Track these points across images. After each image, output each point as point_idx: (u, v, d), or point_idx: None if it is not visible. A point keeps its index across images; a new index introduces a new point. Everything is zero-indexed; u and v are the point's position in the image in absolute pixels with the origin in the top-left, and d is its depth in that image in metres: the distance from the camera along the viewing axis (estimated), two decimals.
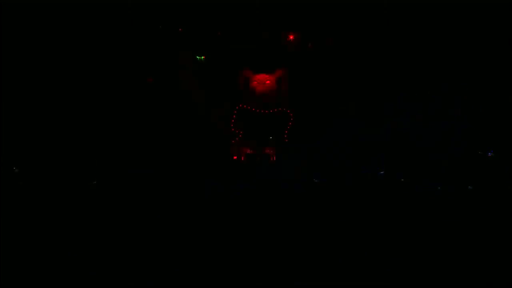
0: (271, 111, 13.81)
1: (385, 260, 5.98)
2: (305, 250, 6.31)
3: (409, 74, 12.12)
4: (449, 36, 12.04)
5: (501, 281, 5.39)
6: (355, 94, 12.55)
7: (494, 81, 11.89)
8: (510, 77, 11.55)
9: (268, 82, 13.71)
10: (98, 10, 11.61)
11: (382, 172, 11.47)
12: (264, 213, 8.11)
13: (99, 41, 12.01)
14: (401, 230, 7.01)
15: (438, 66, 12.24)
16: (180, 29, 13.28)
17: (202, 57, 13.36)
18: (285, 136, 13.67)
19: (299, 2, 11.98)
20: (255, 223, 7.63)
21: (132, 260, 5.97)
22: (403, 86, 12.47)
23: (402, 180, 10.70)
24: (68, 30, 12.03)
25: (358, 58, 12.67)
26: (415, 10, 11.80)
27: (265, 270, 5.74)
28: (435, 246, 6.31)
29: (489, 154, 11.52)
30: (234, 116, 13.73)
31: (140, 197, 9.00)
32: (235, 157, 13.41)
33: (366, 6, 11.93)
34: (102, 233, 6.89)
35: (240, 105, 13.81)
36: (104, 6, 11.53)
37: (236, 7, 12.30)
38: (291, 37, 13.50)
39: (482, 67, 12.11)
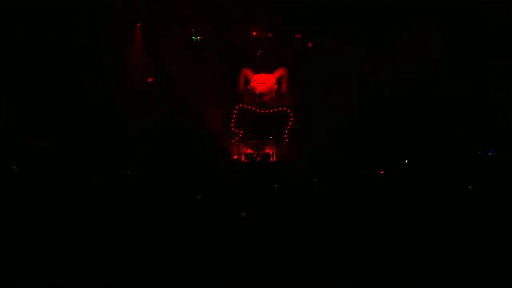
0: (271, 111, 13.83)
1: (385, 261, 5.97)
2: (305, 250, 6.30)
3: (408, 74, 12.11)
4: (448, 37, 12.04)
5: (501, 281, 5.39)
6: (355, 94, 12.56)
7: (494, 81, 11.89)
8: (509, 77, 11.56)
9: (268, 82, 13.73)
10: (98, 9, 11.61)
11: (382, 172, 11.48)
12: (264, 213, 8.10)
13: (100, 43, 12.02)
14: (401, 230, 7.01)
15: (438, 66, 12.25)
16: (176, 29, 13.30)
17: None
18: (285, 136, 13.69)
19: (300, 2, 11.97)
20: (254, 223, 7.62)
21: (132, 260, 5.97)
22: (403, 86, 12.47)
23: (402, 180, 10.70)
24: (68, 32, 12.04)
25: (357, 59, 12.67)
26: (412, 10, 11.81)
27: (264, 271, 5.74)
28: (436, 247, 6.31)
29: (489, 154, 11.53)
30: (234, 116, 13.75)
31: (140, 197, 9.00)
32: (235, 157, 13.43)
33: (364, 6, 11.93)
34: (102, 232, 6.89)
35: (240, 105, 13.82)
36: (104, 5, 11.53)
37: (236, 7, 12.29)
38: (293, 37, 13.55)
39: (481, 67, 12.12)
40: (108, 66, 12.13)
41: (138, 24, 12.98)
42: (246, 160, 13.25)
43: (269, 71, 13.79)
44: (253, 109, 13.78)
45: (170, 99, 12.93)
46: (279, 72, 13.80)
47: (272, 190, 10.09)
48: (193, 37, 13.40)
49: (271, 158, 13.27)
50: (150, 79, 13.28)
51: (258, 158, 13.17)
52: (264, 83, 13.67)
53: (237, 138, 13.60)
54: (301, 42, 13.60)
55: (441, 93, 12.52)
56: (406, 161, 11.73)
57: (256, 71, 13.77)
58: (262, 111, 13.78)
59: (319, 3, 11.91)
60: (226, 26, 13.21)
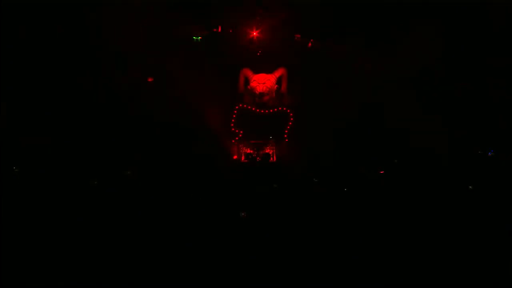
0: (271, 111, 13.83)
1: (385, 261, 5.97)
2: (305, 250, 6.30)
3: (408, 73, 12.10)
4: (448, 37, 12.04)
5: (500, 280, 5.39)
6: (355, 94, 12.56)
7: (494, 81, 11.89)
8: (509, 77, 11.56)
9: (268, 82, 13.73)
10: (97, 9, 11.60)
11: (382, 172, 11.48)
12: (264, 213, 8.10)
13: (100, 43, 12.01)
14: (401, 230, 7.01)
15: (438, 66, 12.25)
16: (176, 29, 13.28)
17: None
18: (285, 136, 13.69)
19: (299, 2, 11.97)
20: (254, 223, 7.63)
21: (132, 260, 5.97)
22: (403, 86, 12.47)
23: (402, 180, 10.70)
24: (68, 32, 12.03)
25: (357, 59, 12.66)
26: (412, 10, 11.81)
27: (264, 271, 5.73)
28: (436, 246, 6.31)
29: (489, 154, 11.53)
30: (234, 116, 13.75)
31: (140, 197, 9.00)
32: (235, 157, 13.42)
33: (364, 6, 11.93)
34: (102, 232, 6.89)
35: (240, 105, 13.82)
36: (104, 5, 11.52)
37: (236, 7, 12.29)
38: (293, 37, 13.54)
39: (481, 67, 12.12)
40: (108, 66, 12.11)
41: (139, 24, 12.97)
42: (246, 160, 13.24)
43: (269, 71, 13.78)
44: (253, 109, 13.78)
45: (170, 99, 12.92)
46: (279, 72, 13.79)
47: (272, 190, 10.09)
48: (194, 37, 13.39)
49: (271, 158, 13.27)
50: (150, 79, 13.27)
51: (258, 158, 13.17)
52: (264, 83, 13.66)
53: (237, 138, 13.60)
54: (301, 42, 13.60)
55: (441, 93, 12.51)
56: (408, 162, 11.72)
57: (256, 71, 13.76)
58: (262, 111, 13.77)
59: (319, 3, 11.91)
60: (226, 26, 13.20)
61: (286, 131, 13.70)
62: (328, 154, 12.29)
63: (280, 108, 13.83)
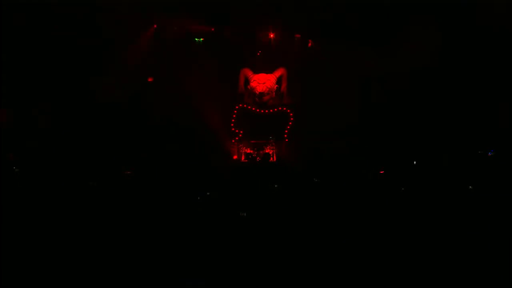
0: (271, 111, 13.84)
1: (385, 261, 5.98)
2: (305, 250, 6.30)
3: (408, 73, 12.10)
4: (448, 37, 12.04)
5: (500, 281, 5.39)
6: (355, 93, 12.56)
7: (494, 81, 11.89)
8: (509, 77, 11.56)
9: (268, 82, 13.74)
10: (97, 9, 11.61)
11: (382, 172, 11.48)
12: (264, 213, 8.10)
13: (100, 43, 12.01)
14: (401, 231, 7.01)
15: (439, 66, 12.25)
16: (175, 28, 13.26)
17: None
18: (285, 136, 13.70)
19: (299, 3, 11.98)
20: (255, 223, 7.62)
21: (132, 260, 5.97)
22: (403, 86, 12.47)
23: (402, 180, 10.70)
24: (68, 32, 12.03)
25: (357, 59, 12.66)
26: (412, 10, 11.81)
27: (264, 271, 5.74)
28: (436, 246, 6.31)
29: (489, 154, 11.53)
30: (234, 116, 13.76)
31: (140, 197, 9.00)
32: (235, 157, 13.43)
33: (365, 6, 11.93)
34: (102, 233, 6.90)
35: (240, 105, 13.83)
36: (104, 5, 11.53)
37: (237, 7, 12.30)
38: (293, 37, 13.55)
39: (482, 67, 12.11)
40: (108, 66, 12.12)
41: (139, 25, 12.98)
42: (246, 160, 13.26)
43: (269, 71, 13.80)
44: (253, 109, 13.80)
45: (170, 99, 12.93)
46: (279, 72, 13.81)
47: (272, 190, 10.09)
48: (196, 39, 13.39)
49: (271, 158, 13.28)
50: (150, 79, 13.27)
51: (258, 158, 13.17)
52: (264, 83, 13.69)
53: (237, 138, 13.61)
54: (301, 42, 13.60)
55: (441, 93, 12.51)
56: (415, 162, 11.73)
57: (256, 71, 13.78)
58: (262, 111, 13.80)
59: (319, 3, 11.91)
60: (227, 26, 13.22)
61: (286, 131, 13.72)
62: (328, 154, 12.29)
63: (280, 108, 13.85)
